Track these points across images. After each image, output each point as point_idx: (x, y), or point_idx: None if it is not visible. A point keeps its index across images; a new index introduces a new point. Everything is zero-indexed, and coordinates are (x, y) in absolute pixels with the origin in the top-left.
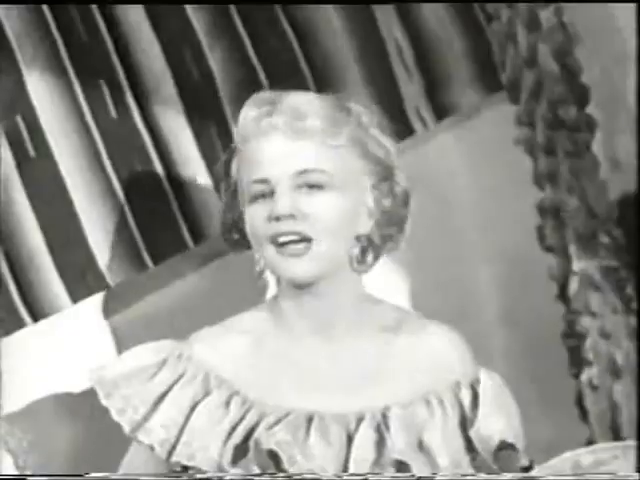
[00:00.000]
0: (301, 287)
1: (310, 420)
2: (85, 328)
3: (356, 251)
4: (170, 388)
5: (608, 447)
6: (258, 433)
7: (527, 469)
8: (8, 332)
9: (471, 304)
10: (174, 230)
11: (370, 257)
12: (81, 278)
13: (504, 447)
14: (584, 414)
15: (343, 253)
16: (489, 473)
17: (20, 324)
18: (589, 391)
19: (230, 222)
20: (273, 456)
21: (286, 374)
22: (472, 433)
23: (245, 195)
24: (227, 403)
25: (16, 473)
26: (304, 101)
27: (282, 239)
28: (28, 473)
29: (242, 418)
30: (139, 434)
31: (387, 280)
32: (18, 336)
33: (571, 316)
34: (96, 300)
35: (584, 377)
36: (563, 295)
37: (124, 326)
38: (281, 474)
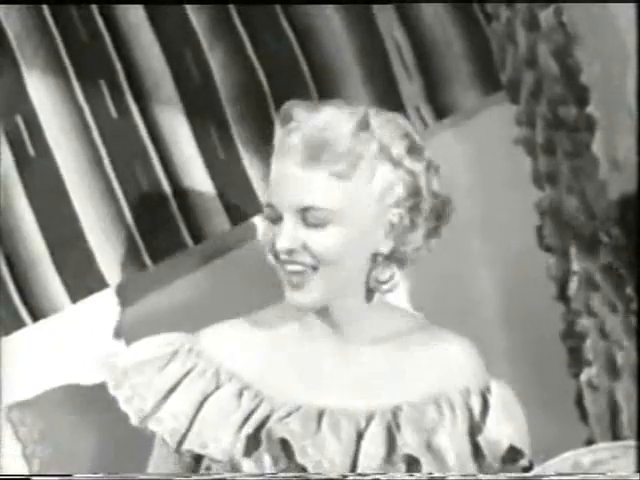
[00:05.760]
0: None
1: (321, 415)
2: (85, 328)
3: (374, 271)
4: (180, 381)
5: (608, 447)
6: (270, 424)
7: (527, 469)
8: (8, 332)
9: (471, 304)
10: (173, 230)
11: (390, 274)
12: (81, 278)
13: (512, 452)
14: (584, 414)
15: (353, 274)
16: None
17: (20, 324)
18: (589, 391)
19: None
20: (285, 446)
21: (297, 371)
22: (480, 439)
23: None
24: (238, 396)
25: (22, 462)
26: (327, 123)
27: (286, 267)
28: (35, 463)
29: (253, 410)
30: (149, 423)
31: None
32: (18, 336)
33: (571, 316)
34: (96, 300)
35: (584, 377)
36: (563, 295)
37: (124, 326)
38: (293, 475)
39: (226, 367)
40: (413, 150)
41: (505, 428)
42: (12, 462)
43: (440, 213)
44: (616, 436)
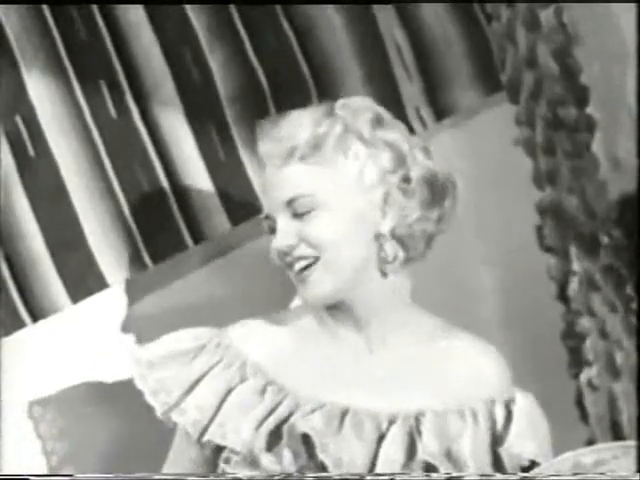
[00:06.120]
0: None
1: (344, 414)
2: (85, 328)
3: (382, 252)
4: (205, 374)
5: (608, 447)
6: (293, 419)
7: (527, 469)
8: (8, 332)
9: (471, 304)
10: (174, 230)
11: (400, 254)
12: (81, 278)
13: (533, 467)
14: (584, 414)
15: (360, 261)
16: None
17: (20, 324)
18: (589, 391)
19: None
20: (306, 441)
21: (322, 369)
22: (502, 450)
23: None
24: (262, 391)
25: (42, 459)
26: (292, 123)
27: (294, 268)
28: (54, 460)
29: (277, 406)
30: (173, 414)
31: None
32: (18, 336)
33: (571, 316)
34: (96, 300)
35: (584, 377)
36: (563, 295)
37: (125, 326)
38: (312, 475)
39: (252, 361)
40: (379, 122)
41: (528, 443)
42: (32, 459)
43: (433, 183)
44: (616, 436)
